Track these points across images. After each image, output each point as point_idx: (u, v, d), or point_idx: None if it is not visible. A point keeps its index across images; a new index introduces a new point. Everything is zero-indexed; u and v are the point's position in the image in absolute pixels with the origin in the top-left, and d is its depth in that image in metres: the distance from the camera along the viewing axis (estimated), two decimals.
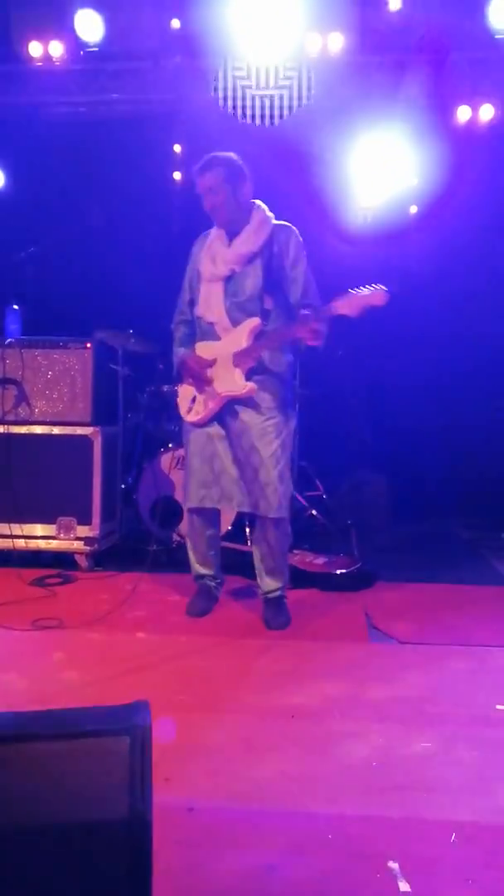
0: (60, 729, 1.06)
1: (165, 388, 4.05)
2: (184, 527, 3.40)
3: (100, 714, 1.11)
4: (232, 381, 2.75)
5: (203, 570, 2.97)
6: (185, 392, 2.91)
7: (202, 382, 2.81)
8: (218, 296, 2.78)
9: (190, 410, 2.87)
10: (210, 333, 2.84)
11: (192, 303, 2.90)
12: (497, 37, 4.95)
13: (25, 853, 1.04)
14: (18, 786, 1.02)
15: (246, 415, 2.76)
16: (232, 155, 2.77)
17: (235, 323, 2.76)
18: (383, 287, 2.50)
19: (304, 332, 2.62)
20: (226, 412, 2.80)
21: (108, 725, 1.06)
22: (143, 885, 1.06)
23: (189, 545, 3.00)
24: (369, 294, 2.50)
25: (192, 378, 2.83)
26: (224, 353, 2.77)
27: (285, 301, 2.78)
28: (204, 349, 2.85)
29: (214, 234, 2.85)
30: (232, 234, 2.78)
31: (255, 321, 2.75)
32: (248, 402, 2.76)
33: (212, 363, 2.79)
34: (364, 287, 2.51)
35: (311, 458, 4.71)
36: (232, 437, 2.80)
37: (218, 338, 2.81)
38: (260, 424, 2.74)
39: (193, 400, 2.86)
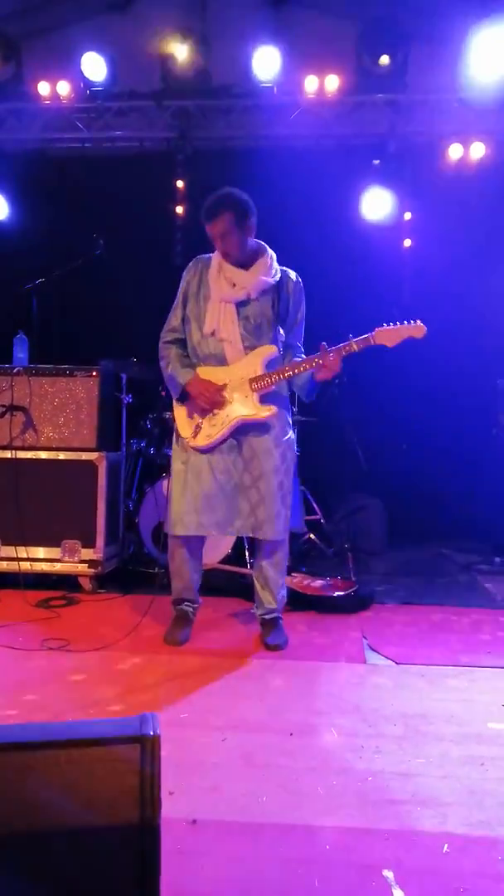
0: (74, 737, 1.13)
1: (167, 414, 4.15)
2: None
3: (111, 724, 1.18)
4: (252, 406, 2.79)
5: (185, 595, 2.98)
6: (184, 415, 2.88)
7: (213, 406, 2.81)
8: (231, 315, 2.81)
9: (197, 434, 2.83)
10: (217, 353, 2.84)
11: (185, 321, 2.91)
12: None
13: (40, 856, 1.10)
14: (34, 791, 1.09)
15: (257, 439, 2.82)
16: (235, 192, 2.81)
17: (247, 346, 2.82)
18: (421, 323, 2.69)
19: (333, 361, 2.70)
20: (233, 436, 2.83)
21: (120, 734, 1.13)
22: (152, 888, 1.13)
23: (173, 570, 2.96)
24: (411, 327, 2.69)
25: (204, 401, 2.79)
26: (236, 377, 2.81)
27: (283, 337, 2.93)
28: (210, 373, 2.83)
29: (219, 260, 2.86)
30: (241, 265, 2.84)
31: (271, 348, 2.84)
32: (260, 426, 2.82)
33: (223, 387, 2.81)
34: (404, 322, 2.69)
35: (309, 483, 4.80)
36: (238, 461, 2.82)
37: (225, 357, 2.83)
38: (272, 448, 2.82)
39: (199, 425, 2.83)
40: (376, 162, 5.38)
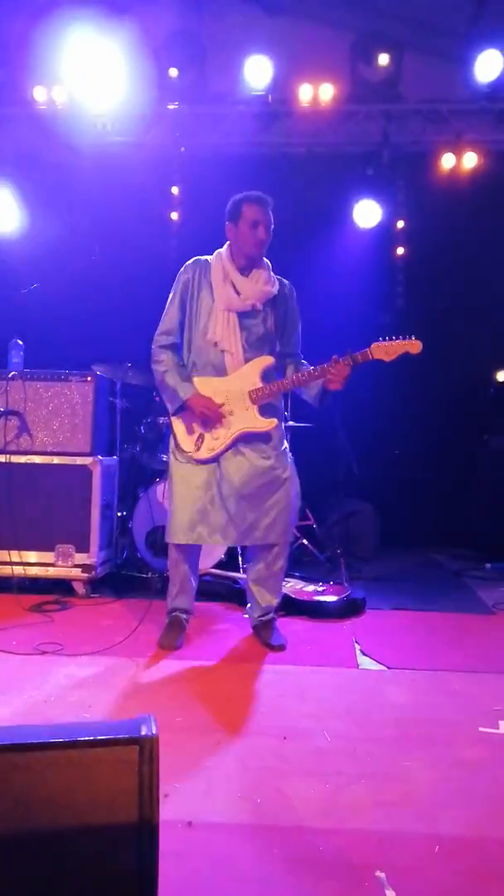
0: (73, 739, 1.14)
1: (161, 419, 4.17)
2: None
3: (110, 726, 1.20)
4: (253, 418, 2.83)
5: (181, 604, 3.00)
6: (183, 428, 2.87)
7: (214, 420, 2.82)
8: (235, 326, 2.83)
9: (199, 448, 2.83)
10: (216, 362, 2.85)
11: (181, 324, 2.90)
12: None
13: (39, 856, 1.12)
14: (33, 792, 1.11)
15: (257, 448, 2.86)
16: None
17: (247, 357, 2.85)
18: (417, 339, 2.75)
19: (338, 374, 2.75)
20: (233, 446, 2.86)
21: (118, 736, 1.15)
22: (150, 887, 1.15)
23: (174, 580, 2.97)
24: (407, 343, 2.74)
25: (205, 416, 2.80)
26: (235, 388, 2.83)
27: (281, 348, 2.95)
28: (206, 385, 2.84)
29: (223, 264, 2.85)
30: (244, 270, 2.87)
31: (269, 360, 2.87)
32: (262, 436, 2.86)
33: (222, 403, 2.83)
34: (397, 337, 2.75)
35: (302, 489, 4.82)
36: (238, 470, 2.83)
37: (224, 367, 2.84)
38: (271, 456, 2.87)
39: (200, 438, 2.84)
40: (369, 171, 5.43)
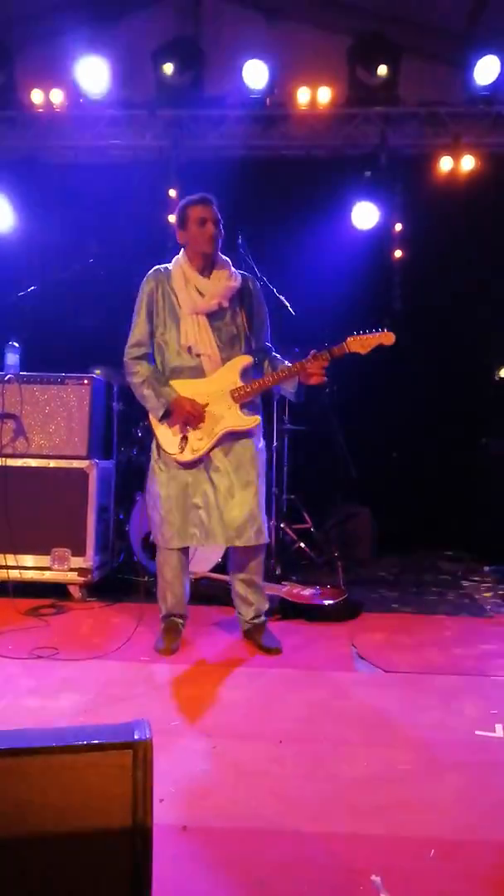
0: (67, 743, 1.14)
1: (142, 423, 4.16)
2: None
3: (104, 730, 1.20)
4: (236, 417, 2.85)
5: (175, 610, 3.00)
6: (167, 431, 2.88)
7: (197, 421, 2.84)
8: (206, 329, 2.85)
9: (183, 450, 2.85)
10: (194, 367, 2.86)
11: (151, 335, 2.91)
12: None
13: (34, 859, 1.12)
14: (27, 796, 1.10)
15: (240, 447, 2.87)
16: None
17: (223, 357, 2.87)
18: (389, 331, 2.82)
19: (316, 369, 2.78)
20: (217, 447, 2.87)
21: (112, 740, 1.15)
22: (144, 891, 1.14)
23: (164, 585, 2.97)
24: (380, 335, 2.81)
25: (188, 418, 2.82)
26: (215, 390, 2.86)
27: (255, 344, 2.96)
28: (186, 387, 2.86)
29: (182, 269, 2.88)
30: (204, 271, 2.89)
31: (247, 359, 2.89)
32: (242, 434, 2.88)
33: (206, 404, 2.85)
34: (372, 330, 2.82)
35: (299, 492, 4.83)
36: (223, 470, 2.85)
37: (203, 370, 2.86)
38: (255, 455, 2.89)
39: (184, 440, 2.85)
40: (367, 174, 5.43)
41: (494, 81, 5.22)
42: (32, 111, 5.52)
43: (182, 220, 2.89)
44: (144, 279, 2.95)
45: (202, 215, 2.84)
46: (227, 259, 2.97)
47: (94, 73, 5.37)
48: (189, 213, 2.86)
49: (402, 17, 5.38)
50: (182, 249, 2.95)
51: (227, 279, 2.88)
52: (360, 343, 2.82)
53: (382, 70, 5.28)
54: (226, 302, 2.87)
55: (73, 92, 5.46)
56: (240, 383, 2.87)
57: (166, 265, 2.96)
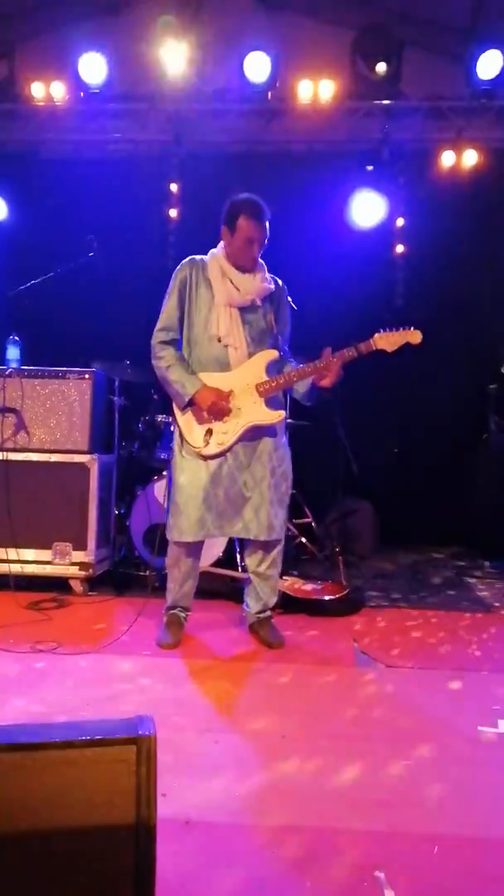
0: (70, 738, 1.13)
1: (159, 417, 4.16)
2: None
3: (108, 725, 1.19)
4: (261, 412, 2.84)
5: (180, 602, 3.00)
6: (191, 423, 2.84)
7: (222, 415, 2.81)
8: (237, 321, 2.84)
9: (208, 443, 2.81)
10: (221, 358, 2.84)
11: (180, 321, 2.90)
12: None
13: (36, 856, 1.11)
14: (30, 791, 1.10)
15: (262, 442, 2.87)
16: None
17: (251, 351, 2.87)
18: (416, 329, 2.84)
19: (333, 368, 2.78)
20: (241, 440, 2.85)
21: (115, 735, 1.14)
22: (147, 888, 1.14)
23: (174, 576, 2.96)
24: (408, 332, 2.83)
25: (213, 409, 2.78)
26: (241, 382, 2.84)
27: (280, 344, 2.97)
28: (213, 380, 2.83)
29: (220, 263, 2.86)
30: (241, 270, 2.87)
31: (273, 353, 2.89)
32: (265, 429, 2.87)
33: (230, 395, 2.83)
34: (399, 328, 2.83)
35: (300, 486, 4.82)
36: (242, 464, 2.84)
37: (229, 362, 2.85)
38: (275, 450, 2.89)
39: (209, 433, 2.82)
40: (370, 168, 5.41)
41: (497, 76, 5.18)
42: (33, 104, 5.49)
43: (231, 224, 2.83)
44: (179, 266, 2.93)
45: (251, 235, 2.80)
46: (263, 263, 2.95)
47: (95, 67, 5.34)
48: (241, 224, 2.79)
49: (405, 10, 5.35)
50: (221, 244, 2.92)
51: (262, 280, 2.89)
52: (387, 340, 2.81)
53: (385, 64, 5.24)
54: (259, 300, 2.88)
55: (74, 85, 5.42)
56: (265, 377, 2.85)
57: (202, 256, 2.93)
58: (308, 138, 5.62)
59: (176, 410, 2.90)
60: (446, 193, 5.42)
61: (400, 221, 5.56)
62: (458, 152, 5.43)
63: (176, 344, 2.92)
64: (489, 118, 5.46)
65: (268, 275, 2.95)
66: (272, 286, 2.92)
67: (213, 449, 2.82)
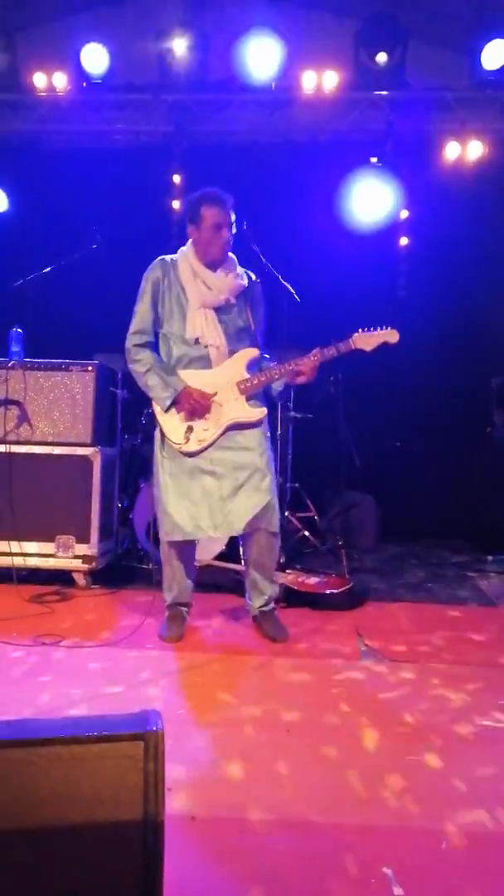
0: (77, 734, 1.12)
1: (146, 410, 4.13)
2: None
3: (115, 721, 1.18)
4: (242, 409, 2.85)
5: (180, 598, 2.98)
6: (173, 422, 2.85)
7: (203, 412, 2.82)
8: (214, 322, 2.85)
9: (188, 440, 2.83)
10: (201, 357, 2.85)
11: (156, 323, 2.89)
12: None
13: (43, 852, 1.10)
14: (37, 787, 1.09)
15: (246, 437, 2.87)
16: None
17: (231, 350, 2.87)
18: (394, 329, 2.86)
19: (306, 368, 2.80)
20: (222, 437, 2.86)
21: (123, 731, 1.13)
22: (155, 884, 1.13)
23: (169, 575, 2.95)
24: (385, 333, 2.86)
25: (194, 408, 2.80)
26: (222, 381, 2.84)
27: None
28: (194, 378, 2.84)
29: (190, 262, 2.86)
30: (212, 267, 2.87)
31: (254, 351, 2.89)
32: (250, 425, 2.87)
33: (213, 394, 2.83)
34: (377, 328, 2.86)
35: (303, 480, 4.81)
36: (230, 460, 2.84)
37: (210, 362, 2.86)
38: (262, 444, 2.89)
39: (189, 430, 2.84)
40: (373, 159, 5.37)
41: (502, 66, 5.13)
42: (35, 95, 5.45)
43: (195, 218, 2.83)
44: (149, 267, 2.92)
45: (217, 220, 2.80)
46: (234, 257, 2.94)
47: (97, 57, 5.29)
48: (204, 213, 2.81)
49: (409, 0, 5.30)
50: (189, 242, 2.91)
51: (235, 277, 2.88)
52: (366, 340, 2.86)
53: (385, 54, 5.19)
54: (233, 298, 2.88)
55: (77, 75, 5.38)
56: (246, 375, 2.87)
57: (172, 256, 2.93)
58: (312, 129, 5.57)
59: (156, 408, 2.90)
60: (450, 185, 5.38)
61: (404, 213, 5.53)
62: (463, 144, 5.39)
63: (151, 346, 2.91)
64: (494, 109, 5.42)
65: (239, 269, 2.94)
66: (245, 282, 2.90)
67: (193, 446, 2.83)
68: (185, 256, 2.89)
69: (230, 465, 2.84)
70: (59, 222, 5.15)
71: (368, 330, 2.85)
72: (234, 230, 2.86)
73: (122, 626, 2.98)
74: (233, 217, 2.84)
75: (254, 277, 2.99)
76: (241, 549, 3.80)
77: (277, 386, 2.94)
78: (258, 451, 2.87)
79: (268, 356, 2.98)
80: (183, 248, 2.93)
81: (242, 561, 3.67)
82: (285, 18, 5.40)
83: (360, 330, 2.85)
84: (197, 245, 2.87)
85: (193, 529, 2.82)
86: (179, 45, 5.24)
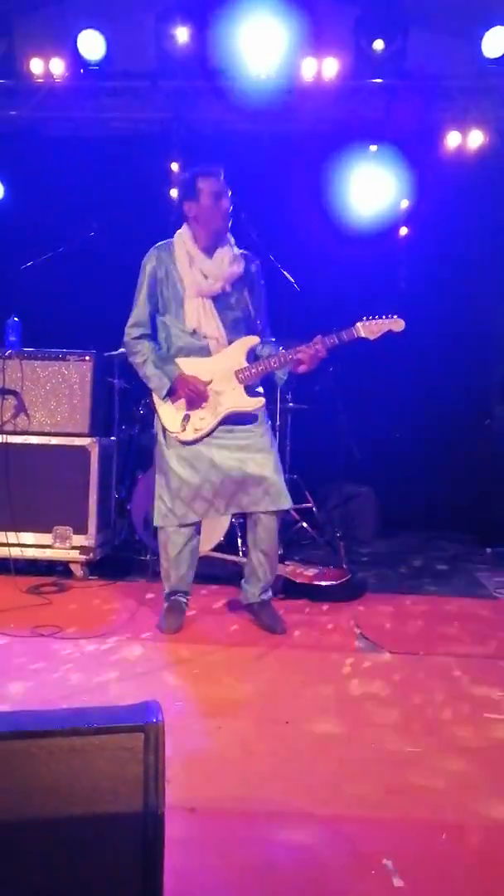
0: (77, 725, 1.11)
1: (144, 400, 4.10)
2: None
3: (115, 712, 1.17)
4: (240, 398, 2.83)
5: (180, 587, 2.96)
6: (170, 410, 2.85)
7: (201, 400, 2.82)
8: (211, 312, 2.83)
9: (185, 428, 2.83)
10: (201, 348, 2.84)
11: (153, 314, 2.88)
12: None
13: (44, 844, 1.09)
14: (36, 779, 1.08)
15: (246, 427, 2.85)
16: None
17: (230, 338, 2.85)
18: (399, 318, 2.81)
19: (307, 357, 2.76)
20: (220, 426, 2.85)
21: (123, 722, 1.12)
22: (155, 876, 1.12)
23: (167, 563, 2.93)
24: (390, 321, 2.80)
25: (191, 396, 2.80)
26: (220, 369, 2.83)
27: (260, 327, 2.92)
28: (192, 365, 2.83)
29: (188, 248, 2.83)
30: (209, 250, 2.84)
31: (254, 339, 2.87)
32: (248, 415, 2.86)
33: (209, 381, 2.82)
34: (382, 316, 2.80)
35: (301, 472, 4.79)
36: (229, 447, 2.83)
37: (209, 351, 2.84)
38: (263, 429, 2.89)
39: (186, 418, 2.83)
40: (373, 148, 5.32)
41: None
42: (32, 81, 5.38)
43: (192, 192, 2.80)
44: (146, 256, 2.89)
45: (216, 189, 2.77)
46: (231, 238, 2.90)
47: (94, 43, 5.23)
48: (201, 185, 2.79)
49: None
50: (185, 224, 2.88)
51: (230, 263, 2.84)
52: (370, 328, 2.80)
53: (390, 42, 5.14)
54: (229, 286, 2.85)
55: (74, 61, 5.31)
56: (245, 364, 2.84)
57: (168, 241, 2.90)
58: (311, 117, 5.51)
59: (155, 398, 2.90)
60: (452, 174, 5.34)
61: (404, 203, 5.48)
62: (464, 133, 5.35)
63: (149, 338, 2.90)
64: (495, 98, 5.37)
65: (236, 250, 2.89)
66: (241, 268, 2.86)
67: (189, 434, 2.83)
68: (182, 242, 2.85)
69: (232, 448, 2.83)
70: (56, 210, 5.10)
71: (372, 318, 2.80)
72: (230, 200, 2.81)
73: (120, 617, 2.97)
74: (228, 187, 2.81)
75: (253, 260, 2.94)
76: (239, 540, 3.81)
77: (282, 374, 2.90)
78: (258, 431, 2.87)
79: (274, 339, 2.95)
80: (180, 231, 2.89)
81: (241, 552, 3.67)
82: (285, 4, 5.33)
83: (364, 318, 2.80)
84: (196, 223, 2.83)
85: (193, 514, 2.84)
86: (178, 32, 5.18)
